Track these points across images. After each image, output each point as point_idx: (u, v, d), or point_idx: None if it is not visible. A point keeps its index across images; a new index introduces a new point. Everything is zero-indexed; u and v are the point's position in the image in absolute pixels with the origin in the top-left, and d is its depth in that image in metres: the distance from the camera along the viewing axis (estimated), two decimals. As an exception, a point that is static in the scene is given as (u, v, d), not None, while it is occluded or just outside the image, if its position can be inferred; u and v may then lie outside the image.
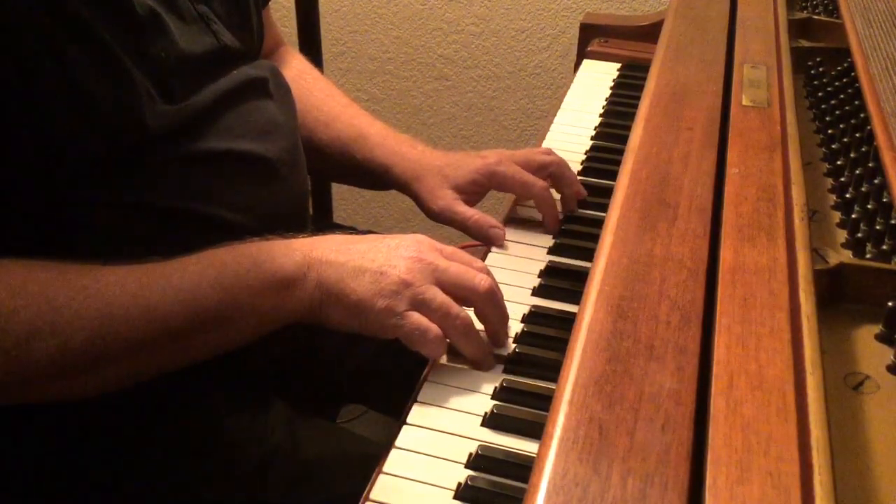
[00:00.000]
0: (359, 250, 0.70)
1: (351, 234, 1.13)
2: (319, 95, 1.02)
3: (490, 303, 0.70)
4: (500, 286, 0.79)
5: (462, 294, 0.69)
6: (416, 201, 0.92)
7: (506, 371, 0.70)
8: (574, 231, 0.89)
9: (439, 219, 0.90)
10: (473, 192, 0.90)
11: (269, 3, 1.02)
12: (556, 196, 0.91)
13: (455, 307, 0.68)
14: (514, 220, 0.92)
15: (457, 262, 0.71)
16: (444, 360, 0.71)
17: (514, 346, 0.72)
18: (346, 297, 0.68)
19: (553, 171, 0.90)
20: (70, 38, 0.64)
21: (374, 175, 0.96)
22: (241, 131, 0.79)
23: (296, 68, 1.05)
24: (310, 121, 0.98)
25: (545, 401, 0.58)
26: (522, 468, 0.58)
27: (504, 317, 0.72)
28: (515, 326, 0.75)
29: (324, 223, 1.33)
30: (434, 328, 0.67)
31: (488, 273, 0.72)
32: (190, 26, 0.76)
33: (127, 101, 0.68)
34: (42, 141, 0.65)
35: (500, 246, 0.86)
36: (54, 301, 0.62)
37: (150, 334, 0.65)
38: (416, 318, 0.67)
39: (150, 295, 0.65)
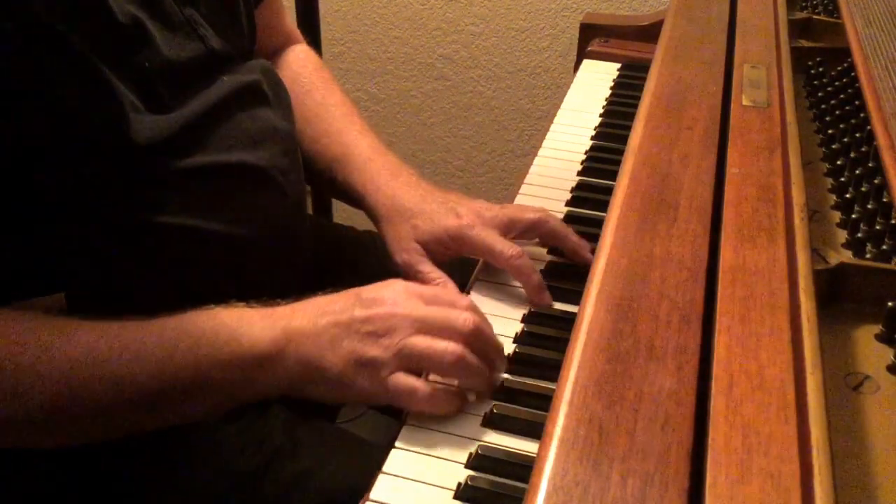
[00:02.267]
0: (335, 313, 0.66)
1: (350, 230, 1.14)
2: (310, 105, 0.98)
3: (478, 342, 0.66)
4: (500, 286, 0.79)
5: (447, 338, 0.65)
6: (384, 242, 0.86)
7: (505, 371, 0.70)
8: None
9: (401, 271, 0.83)
10: (438, 252, 0.82)
11: (274, 3, 1.01)
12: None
13: (439, 346, 0.64)
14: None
15: (437, 306, 0.67)
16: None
17: (514, 345, 0.72)
18: (326, 372, 0.65)
19: (542, 231, 0.83)
20: (45, 52, 0.62)
21: (352, 199, 0.91)
22: (233, 142, 0.78)
23: (293, 73, 1.02)
24: (297, 134, 0.94)
25: (545, 401, 0.58)
26: (522, 468, 0.58)
27: (497, 349, 0.69)
28: (515, 327, 0.75)
29: (323, 223, 1.32)
30: (420, 387, 0.64)
31: (474, 309, 0.68)
32: (175, 32, 0.75)
33: (109, 114, 0.66)
34: (23, 161, 0.64)
35: None
36: (18, 359, 0.62)
37: (113, 402, 0.64)
38: (401, 379, 0.64)
39: (119, 362, 0.63)
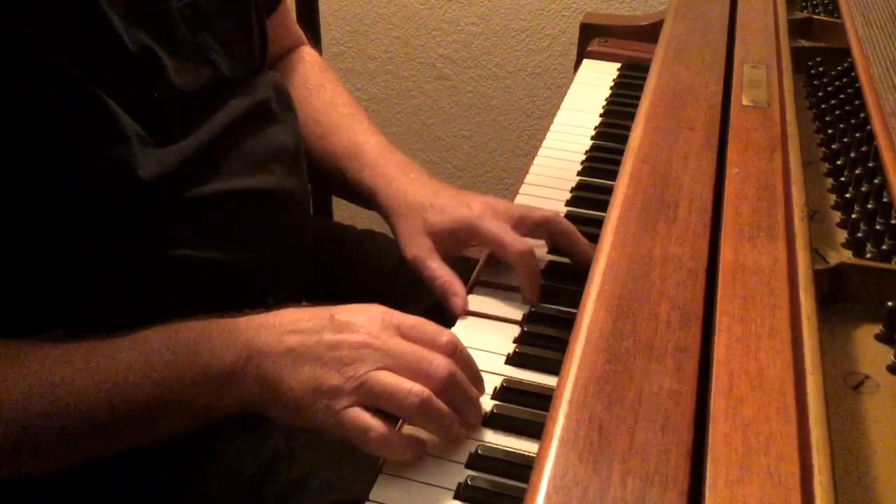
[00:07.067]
0: (303, 332, 0.63)
1: (350, 228, 1.14)
2: (318, 105, 0.98)
3: (449, 391, 0.61)
4: (501, 286, 0.79)
5: (416, 381, 0.61)
6: (395, 237, 0.85)
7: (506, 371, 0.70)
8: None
9: (411, 266, 0.81)
10: (451, 244, 0.81)
11: (281, 6, 1.00)
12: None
13: (404, 386, 0.60)
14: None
15: (413, 343, 0.62)
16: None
17: (514, 345, 0.72)
18: (283, 396, 0.61)
19: (553, 229, 0.81)
20: (50, 88, 0.62)
21: (362, 197, 0.90)
22: (240, 167, 0.77)
23: (301, 74, 1.02)
24: (306, 133, 0.94)
25: (545, 401, 0.58)
26: (522, 468, 0.58)
27: (470, 400, 0.63)
28: (515, 327, 0.75)
29: (323, 222, 1.32)
30: (375, 427, 0.59)
31: (454, 349, 0.64)
32: (187, 61, 0.74)
33: (115, 149, 0.66)
34: (25, 197, 0.63)
35: (458, 316, 0.77)
36: None
37: (71, 428, 0.63)
38: (355, 416, 0.60)
39: (73, 388, 0.62)
